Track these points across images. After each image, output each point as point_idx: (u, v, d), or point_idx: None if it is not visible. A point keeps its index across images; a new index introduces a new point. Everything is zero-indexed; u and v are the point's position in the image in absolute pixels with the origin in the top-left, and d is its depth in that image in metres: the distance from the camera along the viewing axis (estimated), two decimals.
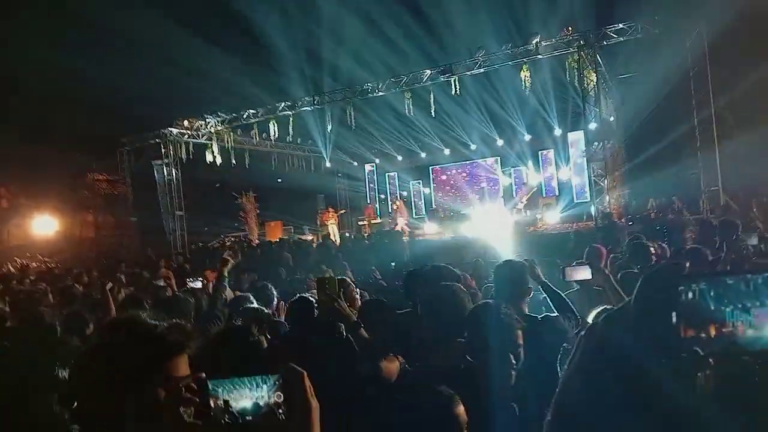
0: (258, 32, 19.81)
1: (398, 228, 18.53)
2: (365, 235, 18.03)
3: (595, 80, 14.45)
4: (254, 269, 9.51)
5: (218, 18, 20.97)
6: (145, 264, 12.19)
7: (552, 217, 17.31)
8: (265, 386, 1.08)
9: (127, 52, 19.66)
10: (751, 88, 15.23)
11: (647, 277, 0.69)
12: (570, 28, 14.58)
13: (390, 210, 21.35)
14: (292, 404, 1.07)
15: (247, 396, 1.08)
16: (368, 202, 24.68)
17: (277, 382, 1.08)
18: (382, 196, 26.11)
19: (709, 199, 14.04)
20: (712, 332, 0.64)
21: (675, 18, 13.76)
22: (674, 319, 0.65)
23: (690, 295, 0.65)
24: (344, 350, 2.58)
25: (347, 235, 19.31)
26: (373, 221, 21.29)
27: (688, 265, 0.70)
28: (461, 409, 1.67)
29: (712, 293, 0.65)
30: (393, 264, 9.26)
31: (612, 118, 16.96)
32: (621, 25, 14.14)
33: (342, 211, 22.92)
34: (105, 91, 20.25)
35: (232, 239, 20.67)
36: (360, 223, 21.86)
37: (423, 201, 25.09)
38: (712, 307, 0.65)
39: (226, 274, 4.32)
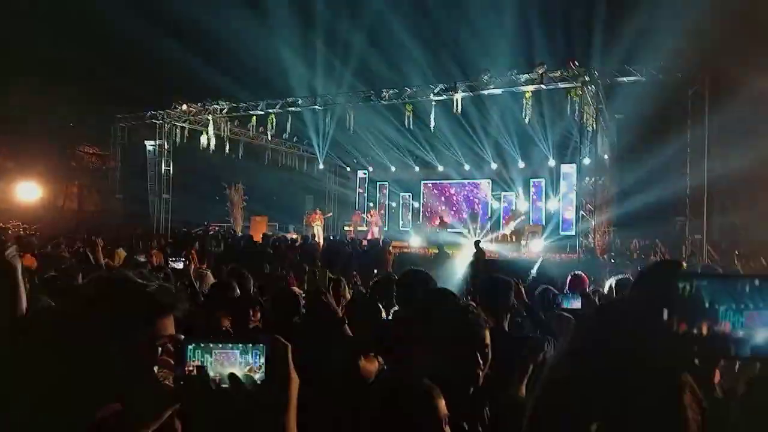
0: (273, 25, 19.83)
1: (372, 237, 18.81)
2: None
3: (594, 116, 14.64)
4: (236, 261, 9.50)
5: (235, 6, 20.92)
6: (124, 242, 12.06)
7: (536, 246, 17.42)
8: (247, 355, 1.06)
9: (136, 29, 19.54)
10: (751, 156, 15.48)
11: (647, 270, 0.72)
12: (576, 62, 14.78)
13: (365, 219, 21.42)
14: (273, 376, 1.04)
15: (227, 364, 1.05)
16: (356, 208, 24.67)
17: (259, 353, 1.05)
18: (371, 204, 26.10)
19: (692, 245, 14.23)
20: (704, 329, 0.66)
21: (678, 66, 13.97)
22: (666, 315, 0.67)
23: (688, 290, 0.67)
24: (325, 344, 2.57)
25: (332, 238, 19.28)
26: (359, 228, 21.29)
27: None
28: (442, 402, 1.66)
29: (708, 291, 0.68)
30: (375, 271, 9.30)
31: (606, 156, 17.16)
32: (626, 66, 14.36)
33: (329, 214, 22.90)
34: (107, 64, 20.12)
35: (216, 228, 20.53)
36: (346, 228, 21.85)
37: (411, 214, 25.15)
38: (707, 305, 0.67)
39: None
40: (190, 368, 1.06)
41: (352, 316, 2.80)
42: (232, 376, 1.04)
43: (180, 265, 4.71)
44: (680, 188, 14.82)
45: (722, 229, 16.65)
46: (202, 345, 1.07)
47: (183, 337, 1.08)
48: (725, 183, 16.08)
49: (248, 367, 1.05)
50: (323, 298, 2.44)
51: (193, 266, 4.61)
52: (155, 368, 1.19)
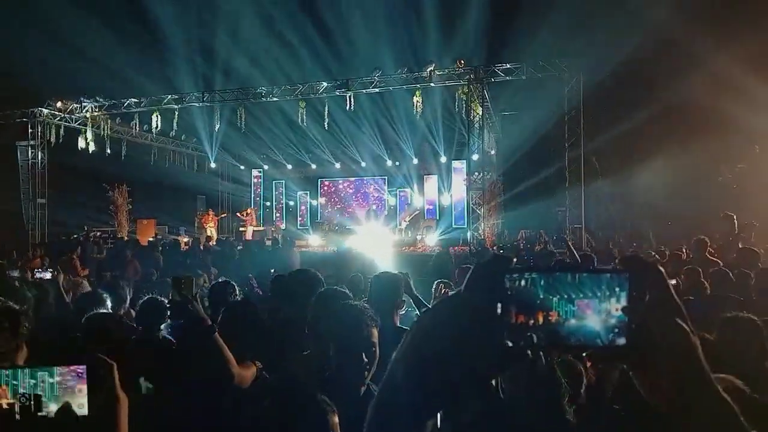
0: (150, 18, 18.79)
1: (247, 236, 18.80)
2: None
3: (480, 113, 15.26)
4: (119, 267, 8.90)
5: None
6: None
7: (431, 239, 17.88)
8: (69, 377, 0.95)
9: (4, 21, 17.79)
10: (616, 139, 16.91)
11: (476, 266, 0.71)
12: (462, 61, 15.32)
13: (243, 216, 21.07)
14: (98, 396, 0.95)
15: (46, 387, 0.95)
16: (252, 207, 24.10)
17: (81, 373, 0.96)
18: (268, 203, 25.63)
19: (572, 234, 15.22)
20: (540, 319, 0.67)
21: (556, 65, 14.93)
22: (499, 308, 0.67)
23: (523, 282, 0.67)
24: (193, 354, 2.44)
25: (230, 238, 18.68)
26: (255, 228, 20.82)
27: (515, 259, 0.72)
28: (335, 419, 1.61)
29: (542, 283, 0.68)
30: (273, 271, 9.06)
31: (493, 151, 17.96)
32: (508, 65, 15.10)
33: (223, 215, 22.19)
34: None
35: (98, 233, 19.19)
36: (241, 228, 21.26)
37: (309, 212, 24.97)
38: (541, 296, 0.68)
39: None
40: (6, 395, 0.93)
41: (232, 321, 2.69)
42: (52, 399, 0.93)
43: (47, 275, 4.32)
44: (560, 180, 15.85)
45: (598, 218, 18.04)
46: (19, 368, 0.95)
47: None
48: (601, 172, 17.49)
49: (70, 389, 0.94)
50: (189, 307, 2.30)
51: (62, 276, 4.23)
52: None
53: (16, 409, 0.92)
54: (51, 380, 0.94)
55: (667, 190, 17.18)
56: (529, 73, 14.97)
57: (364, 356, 2.11)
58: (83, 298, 3.59)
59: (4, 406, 0.92)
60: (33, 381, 0.94)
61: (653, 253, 8.79)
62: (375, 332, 2.20)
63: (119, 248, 13.43)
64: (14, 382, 0.93)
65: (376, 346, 2.17)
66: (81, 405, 0.94)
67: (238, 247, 13.48)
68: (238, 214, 21.53)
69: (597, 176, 17.37)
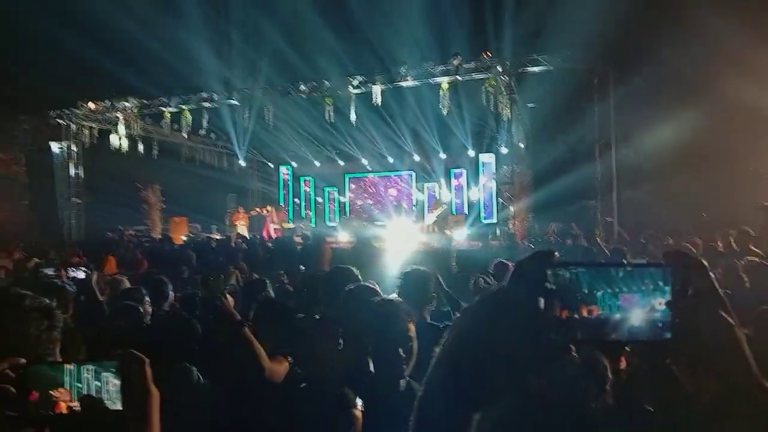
0: (179, 18, 19.06)
1: (265, 233, 18.78)
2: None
3: (509, 106, 15.09)
4: (156, 265, 9.09)
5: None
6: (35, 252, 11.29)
7: (459, 235, 17.79)
8: (101, 374, 0.97)
9: (34, 23, 18.26)
10: (649, 130, 16.52)
11: (518, 262, 0.71)
12: (489, 53, 15.16)
13: (264, 213, 21.06)
14: (130, 392, 0.96)
15: (81, 385, 0.97)
16: (282, 205, 24.33)
17: (113, 370, 0.98)
18: (297, 200, 25.82)
19: (604, 229, 14.98)
20: (584, 313, 0.67)
21: (586, 56, 14.64)
22: (542, 303, 0.67)
23: (566, 276, 0.68)
24: (225, 348, 2.48)
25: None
26: (285, 225, 21.00)
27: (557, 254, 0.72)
28: (359, 413, 1.63)
29: (586, 277, 0.68)
30: (302, 268, 9.12)
31: (522, 144, 17.75)
32: (537, 56, 14.88)
33: (253, 213, 22.43)
34: (4, 65, 18.72)
35: (132, 233, 19.60)
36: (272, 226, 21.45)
37: (337, 208, 25.09)
38: (585, 290, 0.68)
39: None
40: (36, 394, 0.96)
41: (264, 317, 2.72)
42: (85, 398, 0.95)
43: (81, 275, 4.42)
44: (590, 172, 15.58)
45: (630, 210, 17.66)
46: (51, 366, 0.98)
47: (24, 360, 0.98)
48: (632, 164, 17.12)
49: (106, 386, 0.96)
50: (218, 304, 2.35)
51: (96, 275, 4.33)
52: None
53: (49, 409, 0.94)
54: (84, 378, 0.96)
55: (702, 182, 16.74)
56: (558, 65, 14.74)
57: (401, 351, 2.12)
58: (122, 295, 3.68)
59: (38, 405, 0.94)
60: (66, 379, 0.96)
61: (688, 245, 8.59)
62: (412, 327, 2.21)
63: (155, 246, 13.72)
64: (45, 379, 0.95)
65: (414, 341, 2.18)
66: (114, 400, 0.96)
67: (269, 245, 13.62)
68: (258, 210, 21.48)
69: (630, 167, 17.03)
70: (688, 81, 15.44)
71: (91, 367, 0.96)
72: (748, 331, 2.58)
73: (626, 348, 0.76)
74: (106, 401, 0.95)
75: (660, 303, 0.69)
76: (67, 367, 0.97)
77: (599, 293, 0.68)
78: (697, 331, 0.68)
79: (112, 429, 0.94)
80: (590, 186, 15.88)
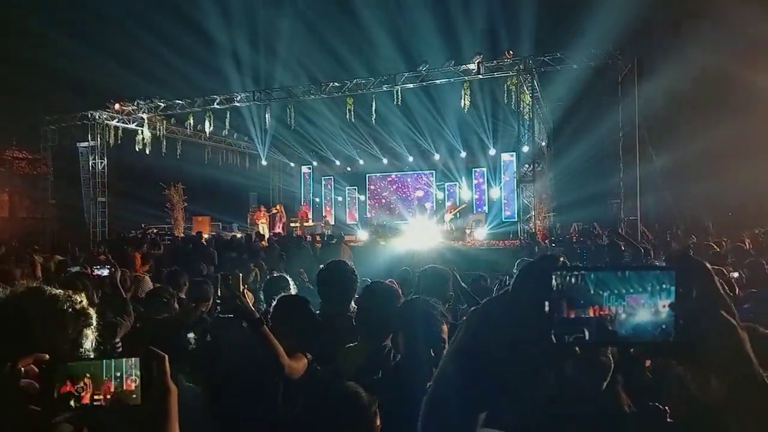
0: (202, 21, 19.33)
1: (277, 231, 19.07)
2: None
3: (530, 105, 14.97)
4: (177, 263, 9.20)
5: (161, 3, 20.28)
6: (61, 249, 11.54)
7: (480, 234, 17.72)
8: (120, 370, 1.00)
9: (62, 28, 18.67)
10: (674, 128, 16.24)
11: (524, 265, 0.73)
12: (510, 52, 15.06)
13: (271, 212, 21.22)
14: (149, 388, 0.99)
15: (100, 380, 0.99)
16: (302, 204, 24.48)
17: (132, 366, 1.00)
18: (317, 199, 25.95)
19: (628, 227, 14.78)
20: (591, 314, 0.68)
21: (609, 53, 14.44)
22: (546, 306, 0.69)
23: (573, 279, 0.69)
24: (244, 345, 2.52)
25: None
26: (305, 224, 21.12)
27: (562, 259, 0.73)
28: (376, 410, 1.64)
29: (592, 278, 0.69)
30: (322, 266, 9.17)
31: (544, 143, 17.60)
32: (558, 54, 14.73)
33: (274, 211, 22.59)
34: (33, 65, 19.16)
35: (155, 231, 19.91)
36: (292, 224, 21.60)
37: (357, 208, 25.14)
38: (592, 291, 0.69)
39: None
40: (60, 389, 0.99)
41: (284, 314, 2.75)
42: (109, 393, 0.98)
43: (105, 272, 4.49)
44: (614, 170, 15.38)
45: (655, 209, 17.41)
46: (74, 362, 1.01)
47: (47, 356, 1.01)
48: (656, 163, 16.84)
49: (125, 383, 0.99)
50: (236, 302, 2.39)
51: (119, 273, 4.40)
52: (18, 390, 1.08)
53: (72, 403, 0.97)
54: (104, 373, 0.99)
55: (728, 179, 16.43)
56: (580, 62, 14.56)
57: (432, 351, 2.13)
58: (150, 294, 3.75)
59: (61, 400, 0.97)
60: (87, 374, 0.99)
61: (713, 244, 8.44)
62: (445, 328, 2.21)
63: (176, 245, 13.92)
64: (68, 374, 0.98)
65: (446, 342, 2.17)
66: (135, 395, 0.99)
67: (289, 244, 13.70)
68: (273, 209, 21.62)
69: (654, 166, 16.77)
70: (713, 78, 15.17)
71: (113, 362, 1.00)
72: None
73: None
74: (127, 396, 0.98)
75: (664, 305, 0.70)
76: (90, 362, 1.01)
77: (605, 294, 0.69)
78: (701, 331, 0.69)
79: (133, 423, 0.98)
80: (613, 185, 15.67)
